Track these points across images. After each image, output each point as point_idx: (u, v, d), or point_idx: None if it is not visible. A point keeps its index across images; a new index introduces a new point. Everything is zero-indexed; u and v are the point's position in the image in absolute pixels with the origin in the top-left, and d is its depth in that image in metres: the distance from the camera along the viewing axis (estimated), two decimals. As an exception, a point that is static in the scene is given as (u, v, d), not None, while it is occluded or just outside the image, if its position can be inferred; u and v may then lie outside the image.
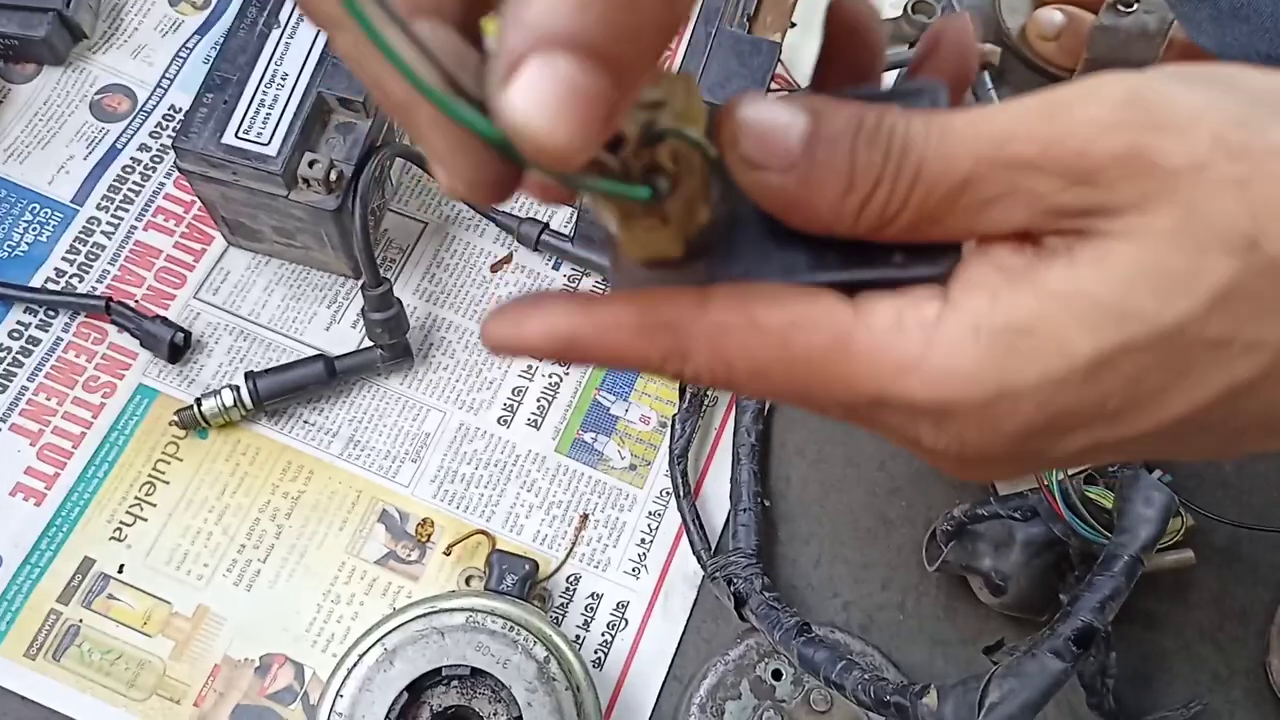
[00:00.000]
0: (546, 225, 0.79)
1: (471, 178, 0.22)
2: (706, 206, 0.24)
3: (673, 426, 0.74)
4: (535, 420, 0.75)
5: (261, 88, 0.69)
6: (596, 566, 0.72)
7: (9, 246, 0.77)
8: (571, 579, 0.72)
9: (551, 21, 0.19)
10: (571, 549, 0.72)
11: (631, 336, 0.25)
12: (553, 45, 0.19)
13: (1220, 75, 0.23)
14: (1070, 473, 0.64)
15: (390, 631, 0.62)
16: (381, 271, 0.72)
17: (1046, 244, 0.23)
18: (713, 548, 0.72)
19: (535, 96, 0.19)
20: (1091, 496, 0.63)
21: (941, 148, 0.23)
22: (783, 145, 0.23)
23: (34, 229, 0.78)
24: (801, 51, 0.85)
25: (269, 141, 0.67)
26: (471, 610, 0.63)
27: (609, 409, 0.76)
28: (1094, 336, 0.22)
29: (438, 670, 0.60)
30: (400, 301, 0.73)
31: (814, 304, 0.24)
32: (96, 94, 0.82)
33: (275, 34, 0.70)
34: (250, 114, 0.68)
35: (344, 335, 0.76)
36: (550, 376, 0.77)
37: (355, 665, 0.61)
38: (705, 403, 0.76)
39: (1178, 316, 0.22)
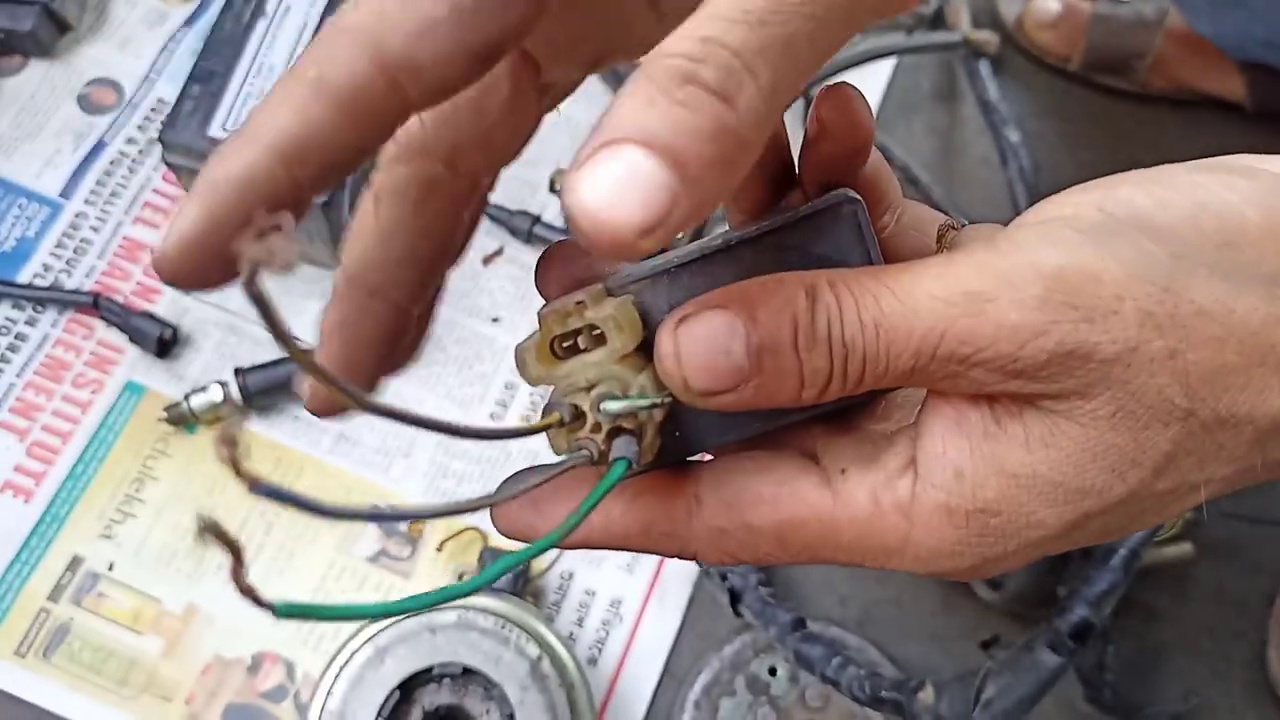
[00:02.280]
0: (538, 219, 0.78)
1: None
2: (667, 411, 0.26)
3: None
4: (528, 415, 0.75)
5: (248, 79, 0.68)
6: (590, 562, 0.72)
7: (-5, 242, 0.76)
8: (565, 575, 0.71)
9: (620, 121, 0.21)
10: (565, 544, 0.71)
11: (641, 543, 0.27)
12: (619, 139, 0.20)
13: (1133, 221, 0.24)
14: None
15: (381, 630, 0.61)
16: (371, 265, 0.72)
17: (1000, 401, 0.25)
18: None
19: (597, 178, 0.20)
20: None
21: (881, 344, 0.24)
22: (730, 367, 0.24)
23: (21, 224, 0.77)
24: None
25: (256, 134, 0.67)
26: (463, 608, 0.62)
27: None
28: (1057, 510, 0.24)
29: (429, 669, 0.60)
30: (391, 296, 0.72)
31: (797, 497, 0.26)
32: (83, 87, 0.81)
33: (261, 25, 0.69)
34: (237, 106, 0.67)
35: (335, 330, 0.76)
36: (543, 370, 0.76)
37: (346, 664, 0.60)
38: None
39: (1129, 487, 0.24)
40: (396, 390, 0.74)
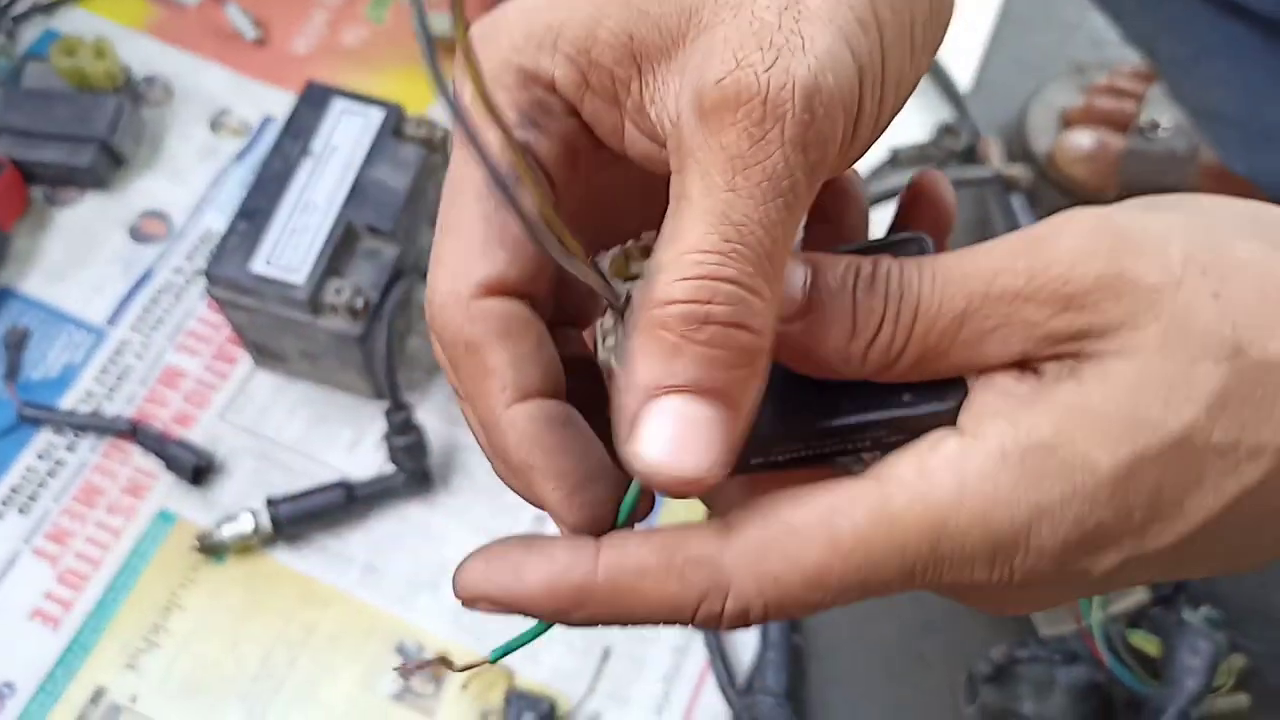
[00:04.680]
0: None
1: (579, 521, 0.25)
2: None
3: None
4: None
5: (293, 216, 0.70)
6: (619, 702, 0.70)
7: (43, 368, 0.78)
8: (592, 717, 0.69)
9: (652, 374, 0.22)
10: (593, 685, 0.70)
11: (660, 581, 0.24)
12: (660, 392, 0.22)
13: (1182, 202, 0.25)
14: (1112, 614, 0.61)
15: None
16: (405, 395, 0.72)
17: (1046, 370, 0.24)
18: (740, 686, 0.69)
19: (655, 435, 0.22)
20: (1134, 644, 0.60)
21: (936, 288, 0.24)
22: (788, 297, 0.24)
23: (69, 351, 0.79)
24: (828, 175, 0.85)
25: (297, 269, 0.68)
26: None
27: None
28: (1112, 448, 0.23)
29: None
30: (423, 426, 0.72)
31: (837, 490, 0.24)
32: (135, 218, 0.84)
33: (308, 164, 0.71)
34: (281, 242, 0.69)
35: (366, 457, 0.76)
36: (573, 502, 0.75)
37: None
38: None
39: (1183, 423, 0.23)
40: (423, 520, 0.74)
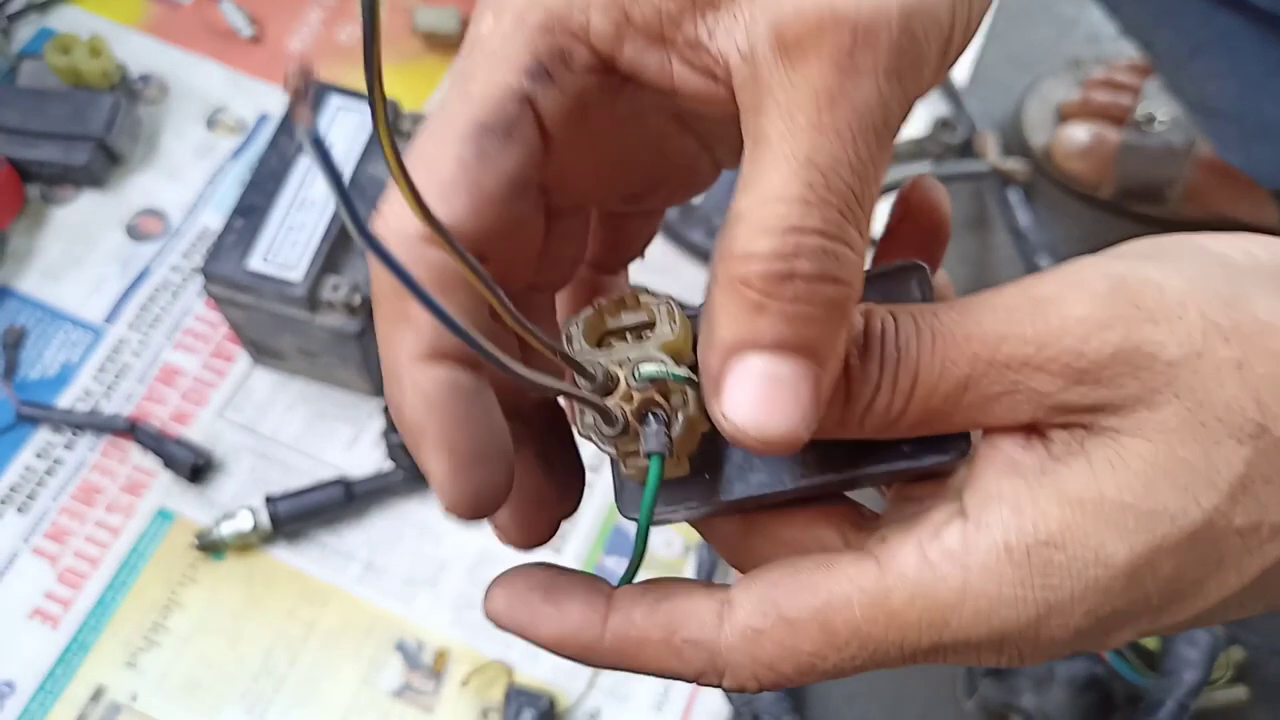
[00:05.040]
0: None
1: (456, 500, 0.23)
2: (705, 421, 0.24)
3: (699, 553, 0.72)
4: (557, 545, 0.74)
5: (289, 214, 0.70)
6: (618, 699, 0.70)
7: (41, 367, 0.78)
8: (592, 714, 0.69)
9: (735, 332, 0.21)
10: (592, 681, 0.70)
11: (659, 654, 0.24)
12: (745, 350, 0.21)
13: (1192, 248, 0.23)
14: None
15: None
16: (403, 393, 0.72)
17: (1054, 437, 0.23)
18: (738, 680, 0.69)
19: (742, 397, 0.21)
20: (1133, 636, 0.60)
21: (937, 351, 0.23)
22: None
23: (66, 349, 0.79)
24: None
25: (294, 266, 0.68)
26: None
27: (632, 534, 0.75)
28: (1127, 541, 0.21)
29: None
30: (421, 423, 0.72)
31: (837, 574, 0.23)
32: (132, 217, 0.84)
33: (303, 160, 0.71)
34: (277, 240, 0.69)
35: (364, 454, 0.76)
36: (572, 498, 0.75)
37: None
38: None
39: (1205, 512, 0.21)
40: (422, 517, 0.74)
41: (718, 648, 0.24)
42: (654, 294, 0.25)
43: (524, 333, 0.21)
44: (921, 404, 0.23)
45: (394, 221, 0.23)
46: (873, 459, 0.24)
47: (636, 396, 0.23)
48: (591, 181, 0.27)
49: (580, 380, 0.24)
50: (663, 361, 0.23)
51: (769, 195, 0.21)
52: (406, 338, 0.22)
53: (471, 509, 0.23)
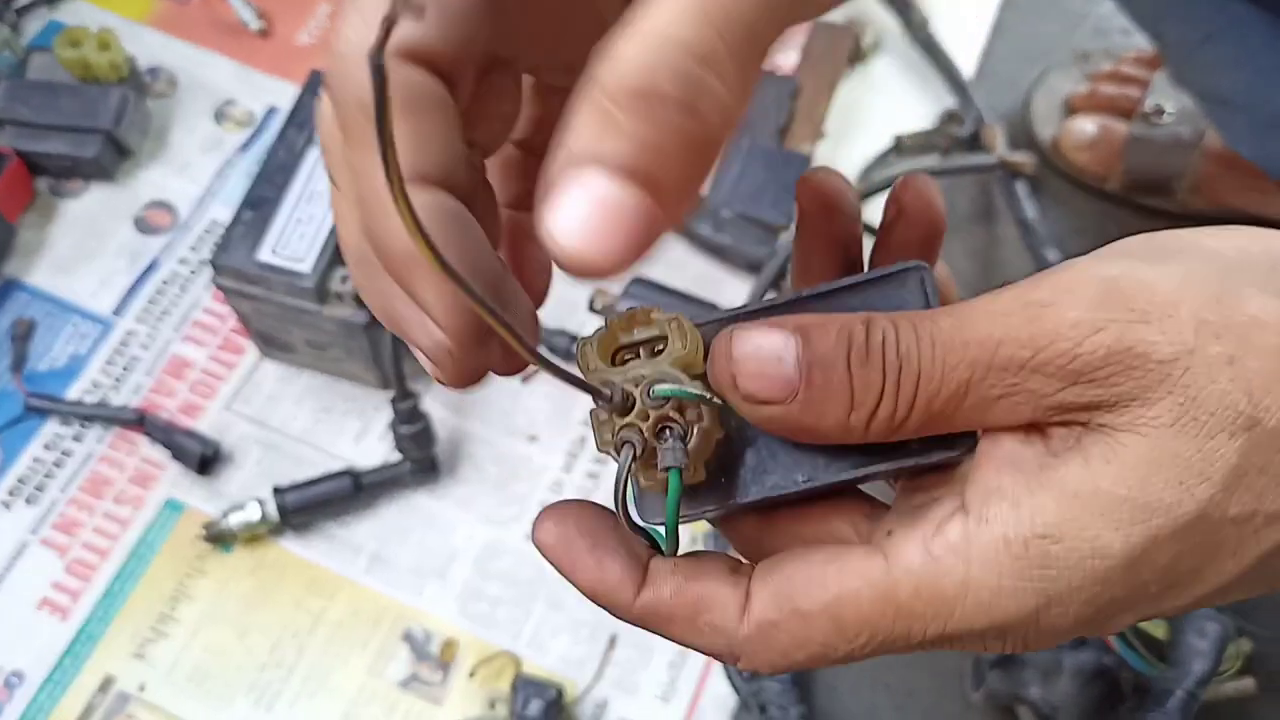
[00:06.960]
0: (575, 337, 0.79)
1: (454, 328, 0.23)
2: (720, 429, 0.25)
3: (709, 543, 0.72)
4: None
5: (298, 206, 0.70)
6: (625, 690, 0.70)
7: (50, 359, 0.78)
8: (599, 704, 0.69)
9: (581, 143, 0.20)
10: (600, 671, 0.70)
11: (683, 630, 0.25)
12: (586, 165, 0.20)
13: (1185, 245, 0.24)
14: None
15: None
16: (411, 383, 0.72)
17: (1053, 434, 0.24)
18: (746, 673, 0.69)
19: (570, 211, 0.20)
20: (1141, 627, 0.60)
21: (937, 357, 0.23)
22: (780, 376, 0.24)
23: (75, 341, 0.79)
24: (834, 164, 0.85)
25: (302, 258, 0.68)
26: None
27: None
28: (1124, 533, 0.22)
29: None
30: (429, 415, 0.73)
31: (847, 568, 0.24)
32: (141, 209, 0.84)
33: (312, 154, 0.71)
34: (287, 231, 0.69)
35: (372, 446, 0.76)
36: (580, 490, 0.75)
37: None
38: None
39: (1199, 503, 0.22)
40: (430, 508, 0.74)
41: (736, 637, 0.25)
42: (663, 312, 0.26)
43: (546, 369, 0.22)
44: (924, 409, 0.23)
45: (354, 34, 0.22)
46: (882, 457, 0.25)
47: (652, 415, 0.24)
48: (532, 38, 0.26)
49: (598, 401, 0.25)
50: (677, 379, 0.24)
51: (649, 27, 0.20)
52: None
53: (473, 339, 0.23)
